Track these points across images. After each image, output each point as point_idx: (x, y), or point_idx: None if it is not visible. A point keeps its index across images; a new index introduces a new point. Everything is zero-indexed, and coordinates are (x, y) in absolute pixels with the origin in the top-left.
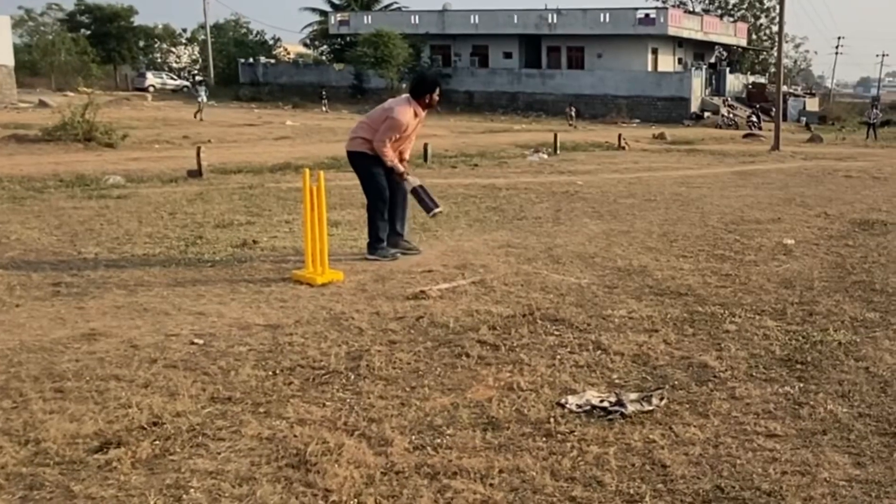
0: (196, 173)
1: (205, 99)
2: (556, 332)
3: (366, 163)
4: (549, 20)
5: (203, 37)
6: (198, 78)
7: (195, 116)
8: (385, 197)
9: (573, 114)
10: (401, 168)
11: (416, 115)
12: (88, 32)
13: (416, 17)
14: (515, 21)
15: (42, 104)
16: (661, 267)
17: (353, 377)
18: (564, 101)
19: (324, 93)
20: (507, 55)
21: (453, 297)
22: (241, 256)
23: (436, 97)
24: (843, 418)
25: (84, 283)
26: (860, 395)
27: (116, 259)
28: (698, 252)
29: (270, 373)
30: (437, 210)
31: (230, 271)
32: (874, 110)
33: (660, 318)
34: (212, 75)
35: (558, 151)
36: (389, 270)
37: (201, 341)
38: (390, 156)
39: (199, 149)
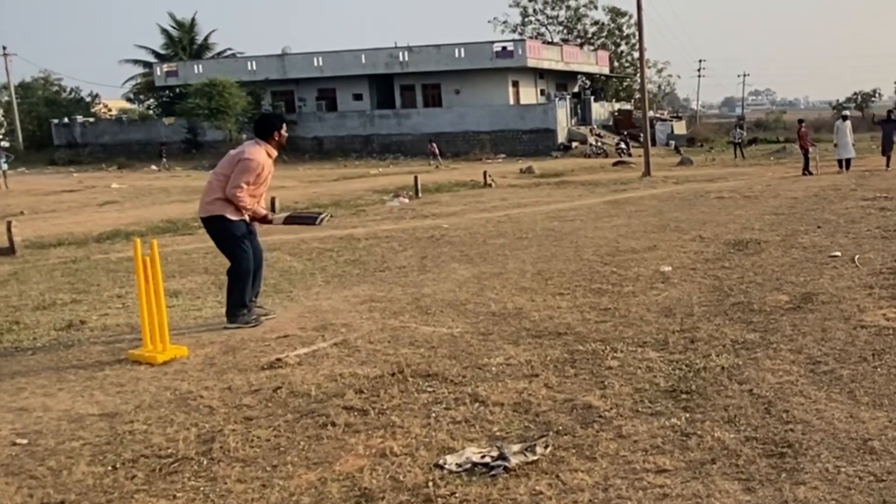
0: (7, 251)
1: (4, 167)
2: (430, 389)
3: (228, 226)
4: (401, 58)
5: (6, 98)
6: (4, 144)
7: (6, 187)
8: (254, 259)
9: (436, 151)
10: (262, 211)
11: (269, 155)
12: None
13: (253, 63)
14: (364, 61)
15: None
16: (537, 307)
17: (205, 462)
18: (423, 140)
19: (163, 150)
20: (358, 97)
21: (314, 362)
22: (68, 340)
23: (284, 133)
24: (730, 444)
25: None
26: (746, 418)
27: None
28: (575, 288)
29: (110, 468)
30: (322, 215)
31: (55, 357)
32: (738, 130)
33: (539, 361)
34: (20, 139)
35: (420, 194)
36: (240, 340)
37: (25, 441)
38: (248, 202)
39: (9, 223)
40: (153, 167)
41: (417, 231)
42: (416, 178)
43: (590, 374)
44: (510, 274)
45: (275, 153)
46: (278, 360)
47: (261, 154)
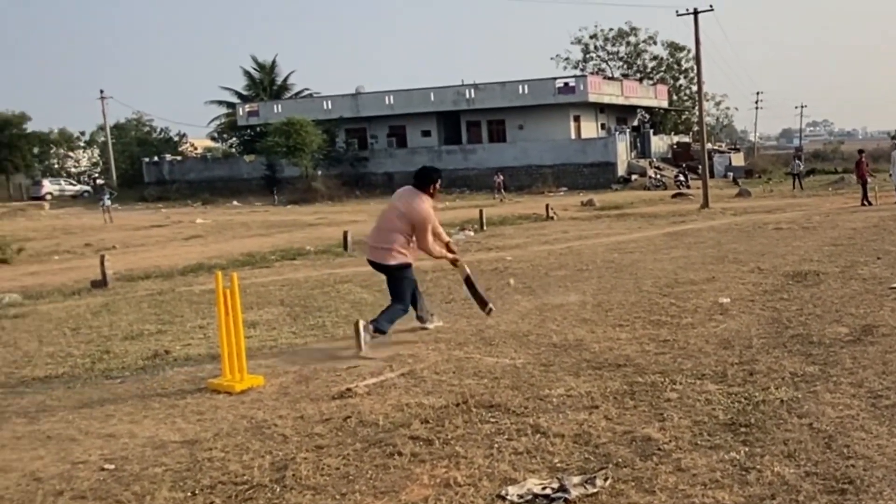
0: (100, 283)
1: (108, 203)
2: (493, 419)
3: (410, 272)
4: (468, 95)
5: (103, 138)
6: (99, 182)
7: (105, 222)
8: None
9: (500, 181)
10: (451, 255)
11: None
12: None
13: (329, 103)
14: (432, 98)
15: None
16: (597, 339)
17: (278, 489)
18: (488, 174)
19: (275, 189)
20: (426, 133)
21: (382, 391)
22: (153, 369)
23: (438, 186)
24: (790, 480)
25: None
26: (806, 453)
27: (15, 384)
28: (634, 320)
29: (189, 493)
30: (490, 306)
31: (141, 386)
32: (797, 161)
33: (599, 393)
34: (114, 177)
35: (485, 227)
36: (313, 370)
37: (112, 466)
38: (437, 251)
39: (102, 257)
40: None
41: (482, 263)
42: (481, 211)
43: (649, 406)
44: (571, 305)
45: (431, 202)
46: (348, 389)
47: (429, 206)
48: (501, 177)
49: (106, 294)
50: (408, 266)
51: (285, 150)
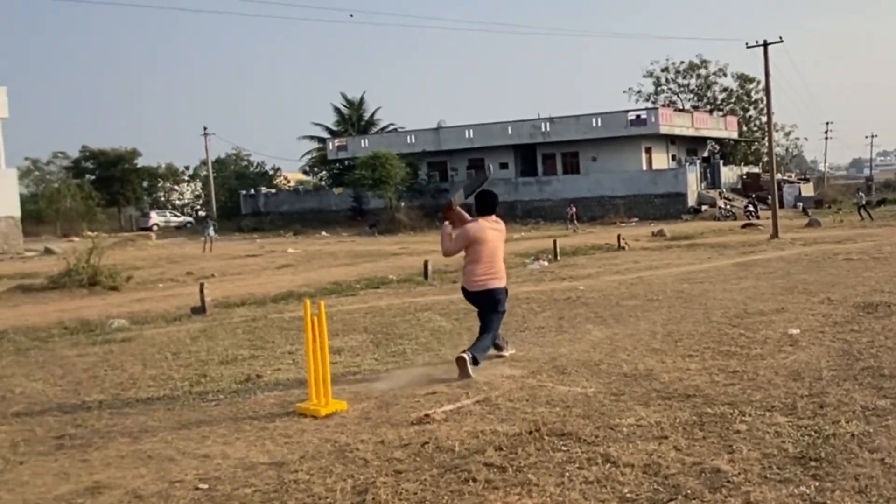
0: (200, 310)
1: (212, 233)
2: (564, 448)
3: (506, 293)
4: (543, 129)
5: (205, 172)
6: (201, 213)
7: (203, 251)
8: None
9: (573, 212)
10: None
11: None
12: (93, 177)
13: (412, 137)
14: (510, 132)
15: (47, 251)
16: (667, 369)
17: None
18: (562, 205)
19: (374, 226)
20: (503, 165)
21: (458, 418)
22: (246, 392)
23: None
24: None
25: (88, 433)
26: (877, 489)
27: (120, 406)
28: (704, 350)
29: None
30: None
31: (234, 409)
32: (860, 193)
33: (669, 423)
34: (214, 209)
35: (558, 257)
36: (393, 395)
37: (206, 486)
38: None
39: (202, 285)
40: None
41: (555, 293)
42: (554, 241)
43: (718, 437)
44: (641, 335)
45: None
46: (426, 415)
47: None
48: (574, 208)
49: (204, 320)
50: (507, 289)
51: (371, 182)
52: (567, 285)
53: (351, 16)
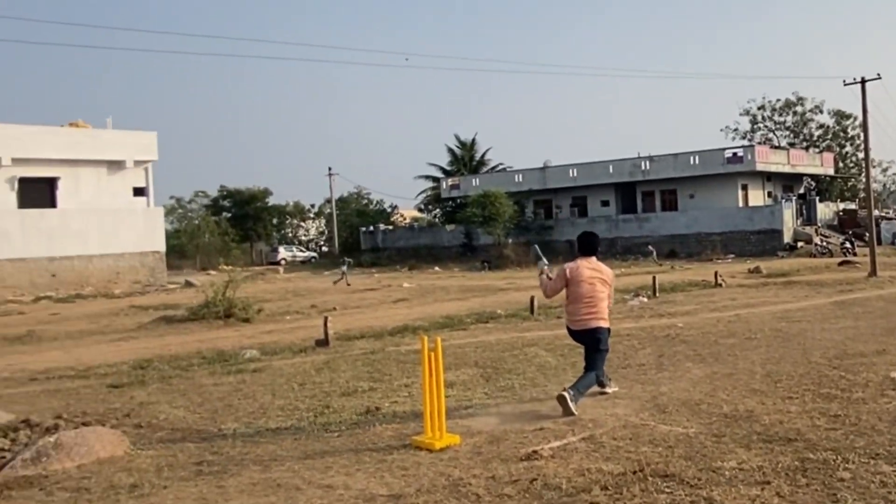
0: (323, 342)
1: (346, 270)
2: (668, 490)
3: (609, 332)
4: (643, 167)
5: (329, 210)
6: (324, 248)
7: (335, 283)
8: None
9: (653, 251)
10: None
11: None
12: (229, 214)
13: (520, 176)
14: (611, 171)
15: (188, 284)
16: (767, 411)
17: None
18: (661, 242)
19: (486, 262)
20: (605, 203)
21: (564, 455)
22: (365, 424)
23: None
24: None
25: (223, 460)
26: None
27: (252, 434)
28: (804, 392)
29: None
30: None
31: (355, 440)
32: None
33: (771, 468)
34: (336, 245)
35: (657, 293)
36: (503, 430)
37: None
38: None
39: (325, 318)
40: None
41: (655, 329)
42: (654, 278)
43: (822, 485)
44: (741, 374)
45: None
46: (534, 452)
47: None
48: (653, 249)
49: (327, 352)
50: (609, 329)
51: (481, 219)
52: (666, 322)
53: (406, 59)
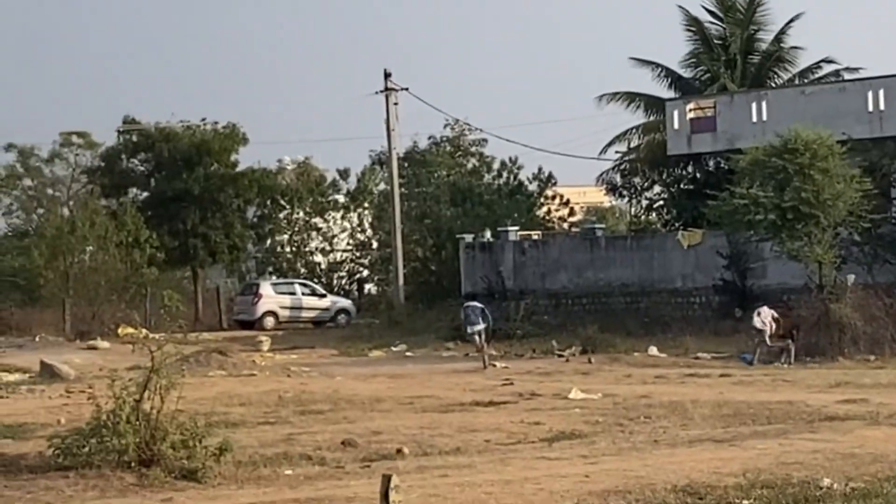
0: None
1: (482, 334)
2: None
3: None
4: None
5: (382, 185)
6: (361, 289)
7: (484, 369)
8: None
9: None
10: None
11: None
12: (146, 195)
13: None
14: None
15: (47, 373)
16: None
17: None
18: None
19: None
20: None
21: None
22: None
23: None
24: None
25: None
26: None
27: None
28: None
29: None
30: None
31: None
32: None
33: None
34: (399, 274)
35: None
36: None
37: None
38: None
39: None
40: None
41: None
42: None
43: None
44: None
45: None
46: None
47: None
48: None
49: None
50: None
51: (778, 216)
52: None
53: None
